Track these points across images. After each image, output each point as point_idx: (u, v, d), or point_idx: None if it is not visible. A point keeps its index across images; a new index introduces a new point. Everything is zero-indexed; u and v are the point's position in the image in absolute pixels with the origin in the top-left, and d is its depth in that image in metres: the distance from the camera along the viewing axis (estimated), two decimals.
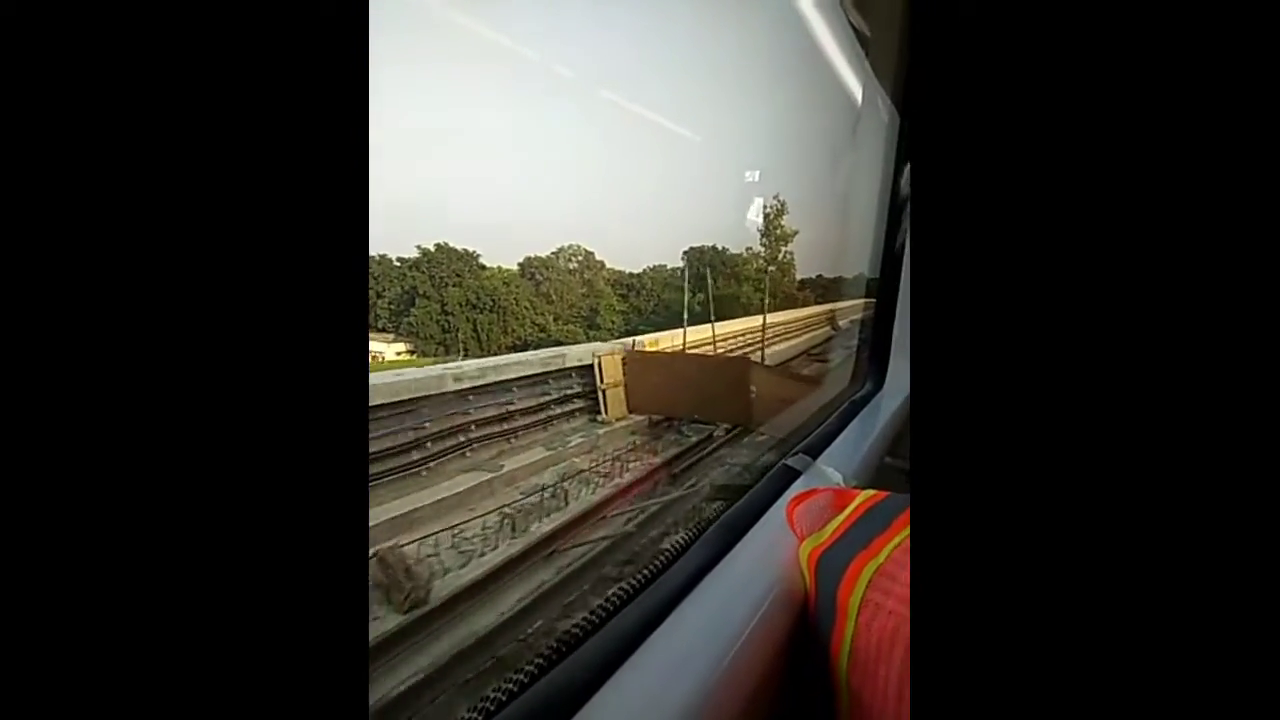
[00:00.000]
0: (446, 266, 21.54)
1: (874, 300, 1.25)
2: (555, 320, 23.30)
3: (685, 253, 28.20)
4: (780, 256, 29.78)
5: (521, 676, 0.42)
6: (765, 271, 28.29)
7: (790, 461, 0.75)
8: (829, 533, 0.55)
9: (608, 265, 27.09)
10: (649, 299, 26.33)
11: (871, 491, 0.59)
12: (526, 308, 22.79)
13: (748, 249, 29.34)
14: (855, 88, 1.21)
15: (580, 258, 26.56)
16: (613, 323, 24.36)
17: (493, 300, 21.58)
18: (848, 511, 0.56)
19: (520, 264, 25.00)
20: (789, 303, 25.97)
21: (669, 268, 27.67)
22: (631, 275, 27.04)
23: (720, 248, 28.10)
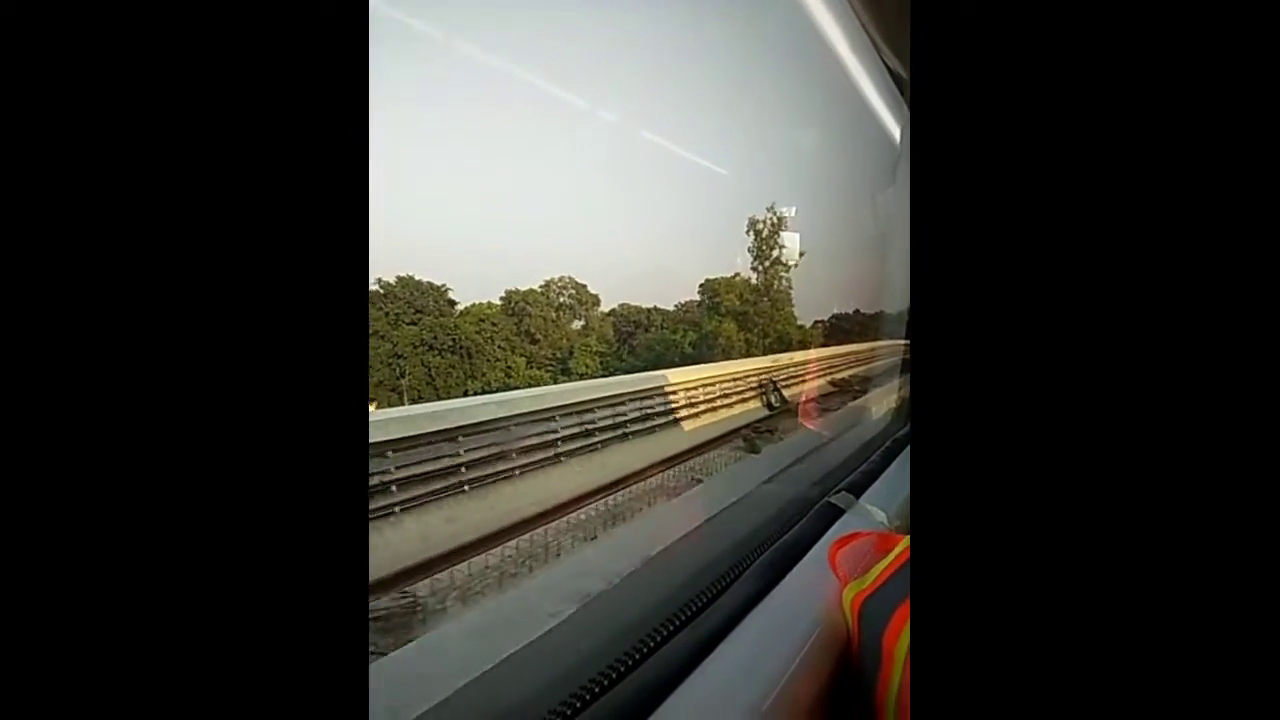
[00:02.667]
0: (406, 302, 18.61)
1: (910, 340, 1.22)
2: (528, 364, 20.05)
3: (701, 285, 24.55)
4: (776, 285, 24.48)
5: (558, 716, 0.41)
6: (748, 300, 23.36)
7: (833, 499, 0.73)
8: (872, 578, 0.54)
9: (628, 301, 23.96)
10: (656, 335, 23.11)
11: None
12: (502, 348, 19.84)
13: (736, 275, 24.41)
14: (894, 127, 1.23)
15: (571, 291, 23.01)
16: (587, 366, 20.93)
17: (453, 340, 18.80)
18: (891, 557, 0.55)
19: (502, 298, 21.64)
20: (780, 345, 21.80)
21: (699, 302, 24.45)
22: (639, 311, 23.93)
23: (743, 278, 24.18)
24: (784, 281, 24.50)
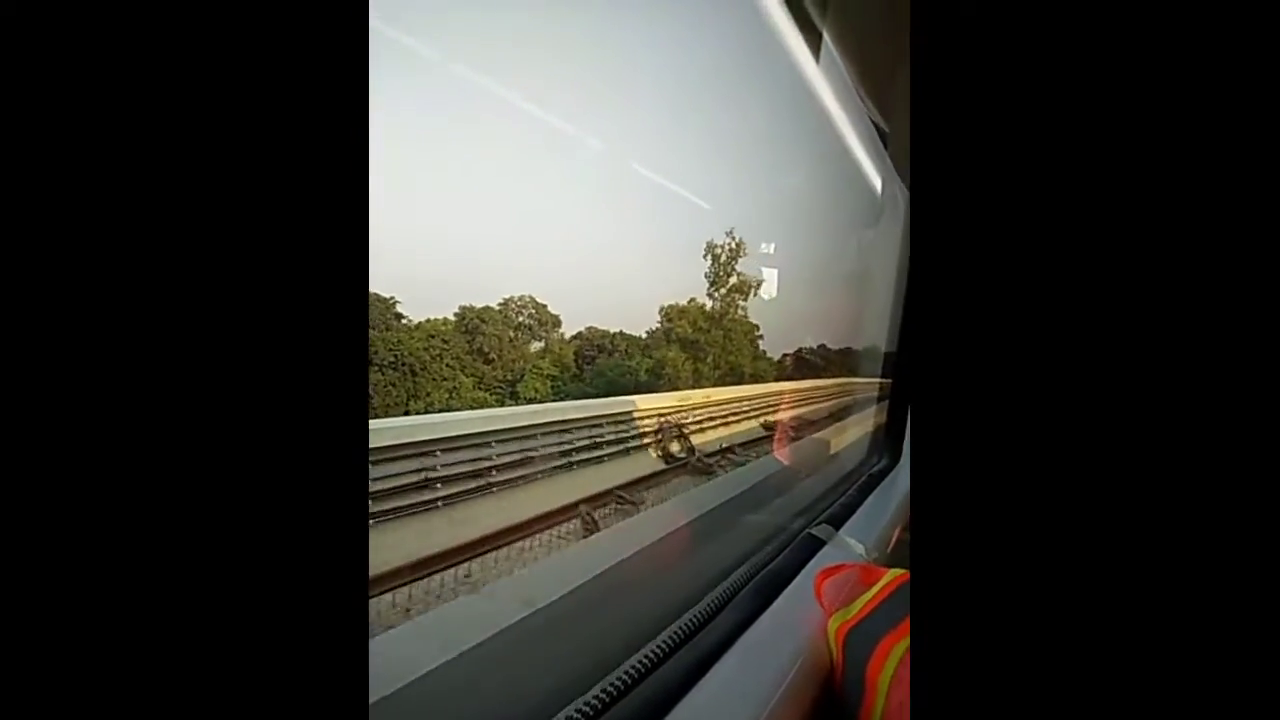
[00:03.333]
0: None
1: (887, 378, 1.27)
2: (477, 385, 18.98)
3: (662, 309, 23.09)
4: (731, 313, 22.99)
5: None
6: (700, 328, 22.14)
7: (815, 531, 0.74)
8: (857, 609, 0.55)
9: (595, 325, 22.55)
10: (614, 361, 21.77)
11: (900, 570, 0.59)
12: (451, 366, 18.68)
13: (691, 300, 22.99)
14: (876, 177, 1.29)
15: (530, 310, 21.68)
16: (537, 390, 19.67)
17: (395, 357, 17.70)
18: (876, 589, 0.56)
19: (456, 314, 20.05)
20: (732, 377, 20.66)
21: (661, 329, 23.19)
22: (604, 335, 22.58)
23: (697, 305, 23.01)
24: (740, 310, 23.30)
